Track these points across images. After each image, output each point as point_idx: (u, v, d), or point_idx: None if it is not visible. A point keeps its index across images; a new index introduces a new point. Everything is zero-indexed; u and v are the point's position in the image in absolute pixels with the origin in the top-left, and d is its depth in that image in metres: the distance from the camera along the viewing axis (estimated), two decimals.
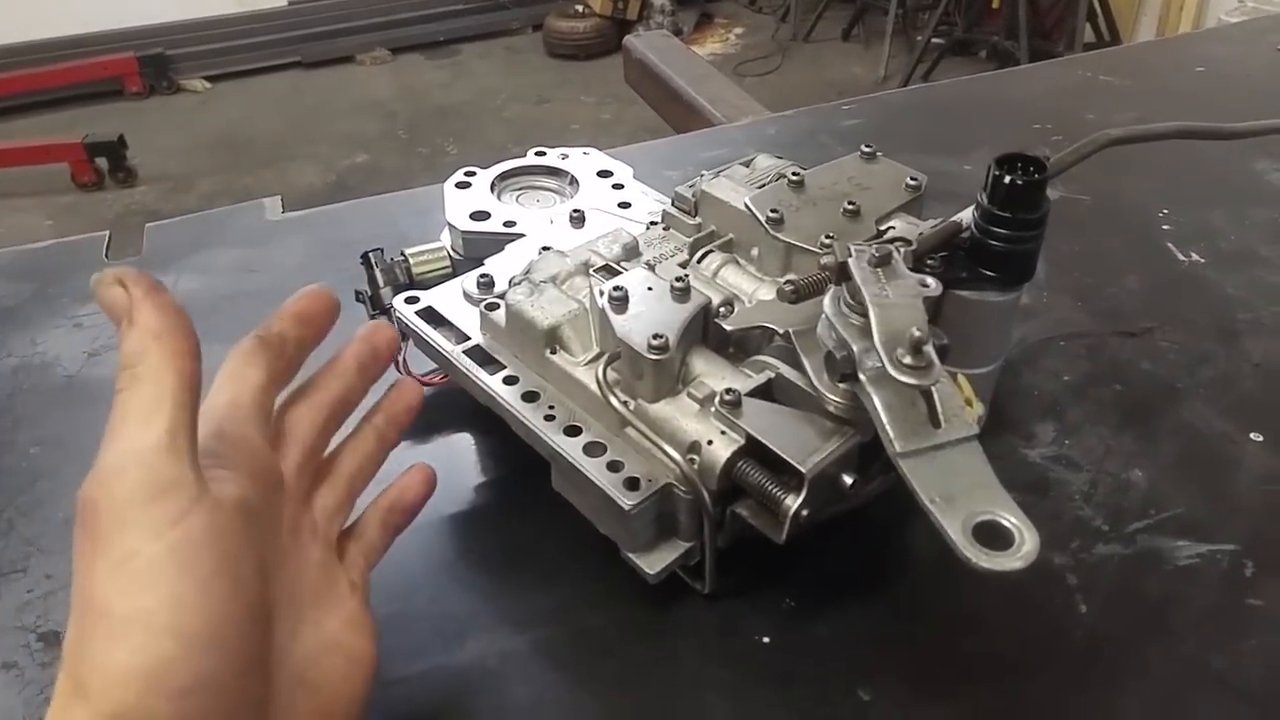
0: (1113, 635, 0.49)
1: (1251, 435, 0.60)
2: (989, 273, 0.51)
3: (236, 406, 0.41)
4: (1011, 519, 0.40)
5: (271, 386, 0.43)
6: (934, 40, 3.79)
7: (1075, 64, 1.19)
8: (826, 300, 0.47)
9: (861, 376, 0.44)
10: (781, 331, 0.51)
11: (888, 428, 0.42)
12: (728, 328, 0.52)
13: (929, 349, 0.42)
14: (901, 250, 0.48)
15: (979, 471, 0.42)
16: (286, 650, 0.40)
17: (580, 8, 4.45)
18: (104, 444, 0.35)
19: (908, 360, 0.42)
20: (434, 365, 0.60)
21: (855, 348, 0.44)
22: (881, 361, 0.42)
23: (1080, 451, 0.59)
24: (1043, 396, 0.64)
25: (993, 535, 0.39)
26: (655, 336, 0.50)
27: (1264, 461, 0.59)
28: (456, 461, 0.62)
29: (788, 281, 0.49)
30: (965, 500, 0.40)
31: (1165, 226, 0.81)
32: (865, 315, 0.45)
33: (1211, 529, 0.54)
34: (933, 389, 0.42)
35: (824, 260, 0.47)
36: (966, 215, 0.54)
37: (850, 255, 0.46)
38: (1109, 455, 0.59)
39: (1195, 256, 0.77)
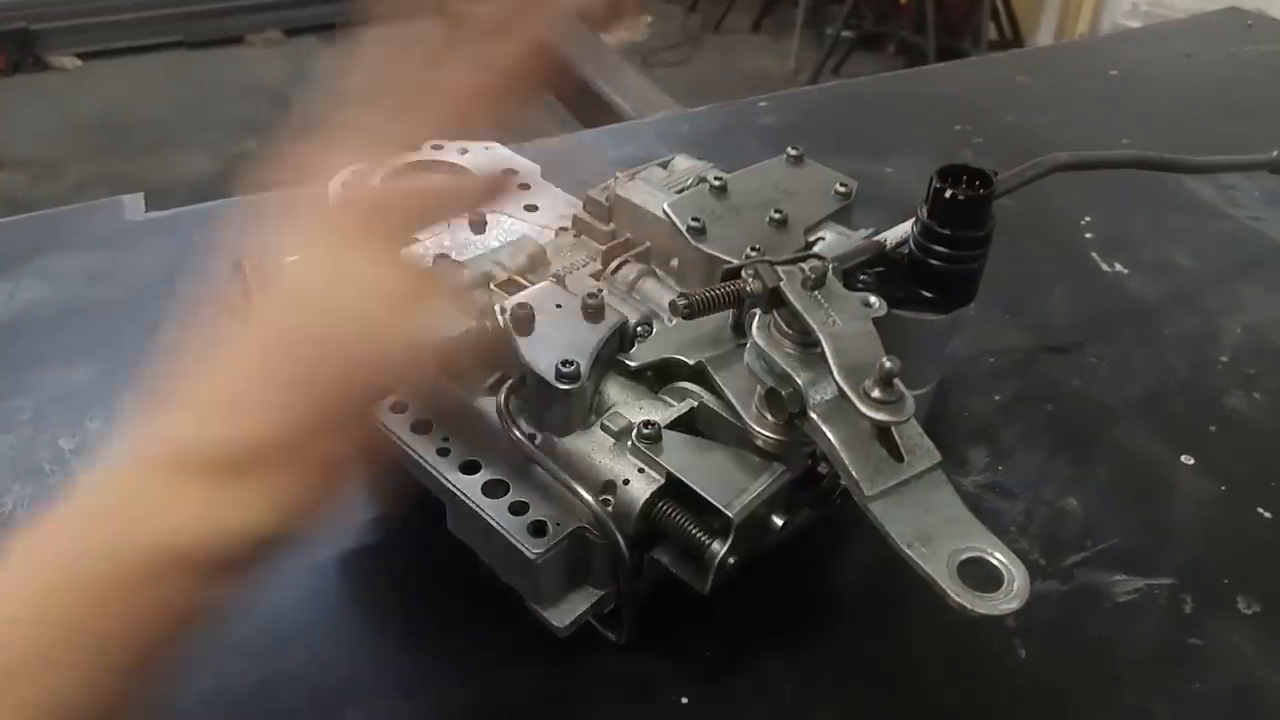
0: (1053, 682, 0.46)
1: (1182, 458, 0.59)
2: (927, 294, 0.47)
3: None
4: (997, 555, 0.36)
5: None
6: (844, 34, 3.82)
7: (991, 64, 1.18)
8: (755, 329, 0.42)
9: (812, 414, 0.39)
10: (693, 364, 0.46)
11: (851, 470, 0.38)
12: (631, 364, 0.47)
13: (900, 383, 0.38)
14: (828, 266, 0.44)
15: (949, 504, 0.38)
16: None
17: None
18: None
19: (877, 394, 0.37)
20: None
21: (800, 380, 0.40)
22: (845, 397, 0.38)
23: (1014, 478, 0.57)
24: (974, 418, 0.61)
25: (978, 574, 0.36)
26: (565, 363, 0.44)
27: (1195, 485, 0.57)
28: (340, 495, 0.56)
29: (681, 295, 0.44)
30: (943, 539, 0.37)
31: (1088, 235, 0.79)
32: (806, 345, 0.40)
33: (1148, 561, 0.52)
34: None
35: (751, 287, 0.42)
36: (894, 233, 0.50)
37: (781, 279, 0.41)
38: (1043, 482, 0.56)
39: (1119, 267, 0.76)
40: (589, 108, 1.12)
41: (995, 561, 0.37)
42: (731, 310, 0.45)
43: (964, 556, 0.37)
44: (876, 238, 0.49)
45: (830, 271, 0.42)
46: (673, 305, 0.44)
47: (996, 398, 0.62)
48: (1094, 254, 0.77)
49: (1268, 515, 0.55)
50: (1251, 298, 0.73)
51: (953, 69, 1.22)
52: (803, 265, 0.42)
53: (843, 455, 0.38)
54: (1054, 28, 3.80)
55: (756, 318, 0.43)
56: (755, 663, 0.47)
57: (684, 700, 0.45)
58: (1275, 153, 0.56)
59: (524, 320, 0.46)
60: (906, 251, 0.48)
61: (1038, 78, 1.07)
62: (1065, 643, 0.48)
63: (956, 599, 0.35)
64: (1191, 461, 0.58)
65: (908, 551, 0.37)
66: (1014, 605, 0.35)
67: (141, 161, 3.25)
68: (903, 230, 0.49)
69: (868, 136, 0.93)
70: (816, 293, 0.41)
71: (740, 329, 0.46)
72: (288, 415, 0.34)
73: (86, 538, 0.33)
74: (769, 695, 0.45)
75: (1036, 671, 0.46)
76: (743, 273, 0.43)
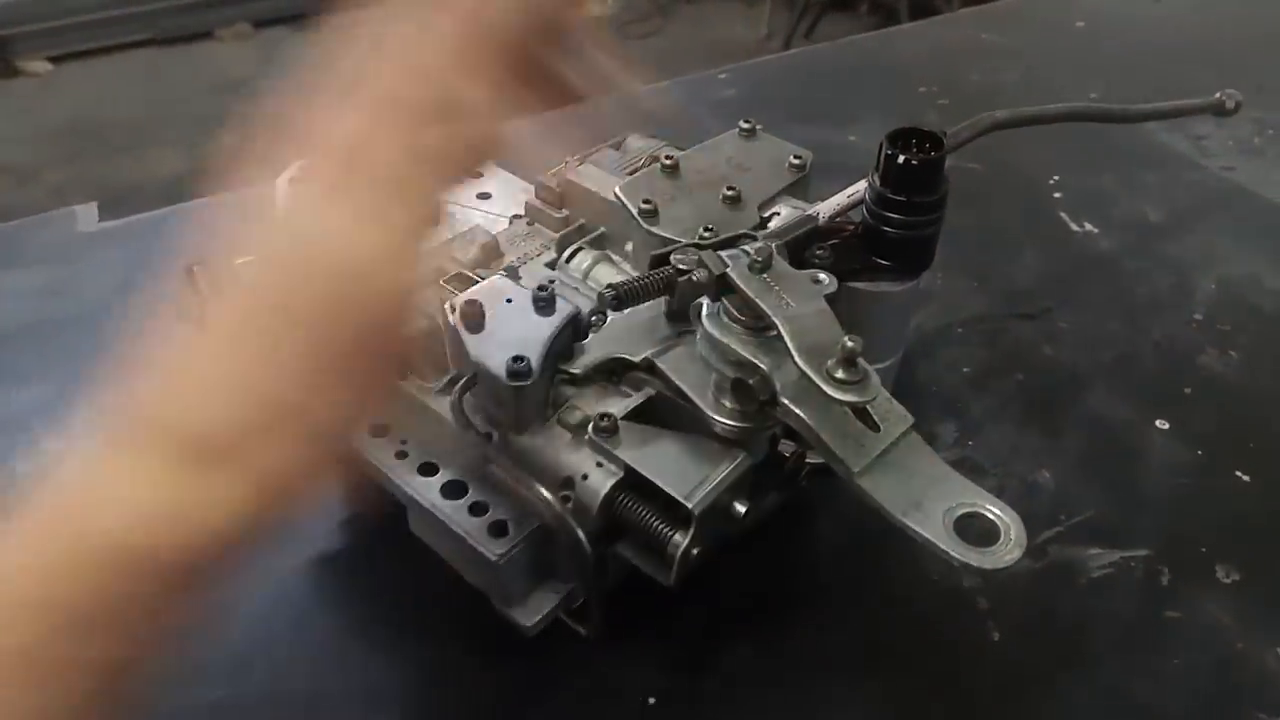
0: (1028, 665, 0.45)
1: (1157, 423, 0.57)
2: (884, 262, 0.46)
3: None
4: (990, 508, 0.36)
5: None
6: None
7: (957, 22, 1.16)
8: (705, 318, 0.41)
9: (784, 399, 0.38)
10: (638, 361, 0.45)
11: (834, 450, 0.37)
12: (575, 371, 0.45)
13: (863, 360, 0.37)
14: (773, 246, 0.43)
15: (930, 464, 0.38)
16: None
17: None
18: None
19: (841, 375, 0.37)
20: None
21: (763, 366, 0.39)
22: (810, 380, 0.37)
23: (985, 453, 0.55)
24: (942, 391, 0.59)
25: (972, 530, 0.36)
26: (515, 359, 0.43)
27: (1170, 451, 0.56)
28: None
29: (609, 286, 0.42)
30: (933, 501, 0.36)
31: (1057, 195, 0.78)
32: (760, 329, 0.39)
33: (1123, 533, 0.51)
34: None
35: (696, 276, 0.40)
36: (827, 205, 0.49)
37: (728, 265, 0.40)
38: (1014, 455, 0.55)
39: (1089, 226, 0.74)
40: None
41: (989, 514, 0.36)
42: (665, 299, 0.44)
43: (959, 514, 0.36)
44: (810, 210, 0.48)
45: (777, 252, 0.41)
46: (600, 297, 0.43)
47: (965, 369, 0.61)
48: (1063, 214, 0.76)
49: (1246, 479, 0.54)
50: (1225, 251, 0.71)
51: (916, 29, 1.20)
52: (747, 248, 0.41)
53: (823, 437, 0.38)
54: None
55: (705, 306, 0.42)
56: (723, 655, 0.46)
57: (650, 700, 0.44)
58: (1218, 94, 0.53)
59: (474, 317, 0.45)
60: (860, 220, 0.47)
61: (1004, 35, 1.05)
62: (1039, 623, 0.47)
63: (961, 558, 0.35)
64: (1166, 426, 0.57)
65: (904, 521, 0.36)
66: (1016, 555, 0.35)
67: (118, 163, 3.21)
68: (837, 201, 0.48)
69: (830, 104, 0.91)
70: (764, 275, 0.40)
71: (676, 316, 0.45)
72: (279, 388, 0.31)
73: (37, 540, 0.29)
74: (735, 688, 0.45)
75: (1010, 654, 0.46)
76: (671, 257, 0.42)
